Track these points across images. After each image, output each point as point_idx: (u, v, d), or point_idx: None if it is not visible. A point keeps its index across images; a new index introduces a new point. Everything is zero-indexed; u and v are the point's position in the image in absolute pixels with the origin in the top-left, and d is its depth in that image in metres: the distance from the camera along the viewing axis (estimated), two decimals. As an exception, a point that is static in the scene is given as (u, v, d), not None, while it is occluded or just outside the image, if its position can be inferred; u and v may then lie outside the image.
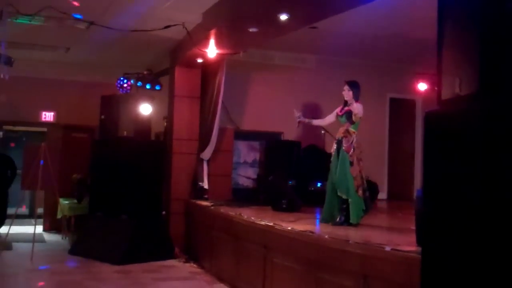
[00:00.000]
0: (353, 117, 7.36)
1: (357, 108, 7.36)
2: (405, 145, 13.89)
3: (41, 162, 10.57)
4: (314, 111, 11.02)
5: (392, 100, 13.70)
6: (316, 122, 8.02)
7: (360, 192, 7.27)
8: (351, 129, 7.42)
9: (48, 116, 14.25)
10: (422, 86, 12.95)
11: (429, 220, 3.48)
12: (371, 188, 11.95)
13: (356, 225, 7.17)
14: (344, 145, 7.39)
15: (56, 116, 14.26)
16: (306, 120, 7.98)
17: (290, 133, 12.24)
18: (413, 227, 5.23)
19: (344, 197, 7.29)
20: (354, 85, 7.55)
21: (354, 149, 7.33)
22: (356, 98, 7.49)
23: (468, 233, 3.05)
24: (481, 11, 3.12)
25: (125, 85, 11.61)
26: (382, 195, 13.03)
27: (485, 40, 3.07)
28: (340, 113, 7.60)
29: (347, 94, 7.51)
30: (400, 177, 13.73)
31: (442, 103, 3.44)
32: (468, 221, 3.05)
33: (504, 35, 2.93)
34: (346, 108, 7.51)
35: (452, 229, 3.19)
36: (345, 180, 7.28)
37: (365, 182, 7.41)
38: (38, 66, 13.04)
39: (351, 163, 7.30)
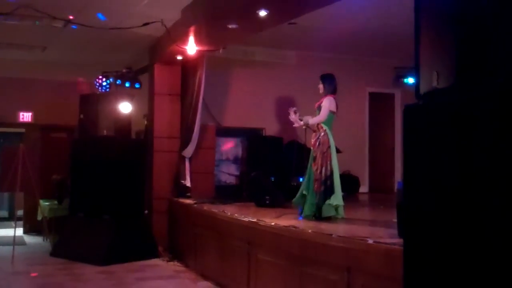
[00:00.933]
0: (321, 111, 7.41)
1: (326, 103, 7.41)
2: (385, 139, 13.95)
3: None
4: (294, 106, 11.04)
5: (372, 94, 13.76)
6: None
7: (316, 186, 7.28)
8: (321, 124, 7.45)
9: (26, 116, 14.17)
10: (401, 80, 13.05)
11: (410, 212, 3.51)
12: (353, 182, 12.07)
13: (311, 218, 7.24)
14: (312, 140, 7.47)
15: (34, 117, 14.19)
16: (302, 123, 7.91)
17: (272, 129, 12.26)
18: (395, 220, 5.27)
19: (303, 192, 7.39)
20: (325, 79, 7.61)
21: (319, 144, 7.36)
22: (328, 92, 7.53)
23: (448, 224, 3.07)
24: (458, 4, 3.14)
25: (104, 83, 11.54)
26: (364, 188, 13.10)
27: (461, 34, 3.09)
28: (316, 107, 7.65)
29: (320, 87, 7.60)
30: (381, 170, 13.80)
31: (420, 96, 3.46)
32: (448, 212, 3.07)
33: (481, 29, 2.95)
34: (318, 102, 7.58)
35: (433, 221, 3.21)
36: (311, 175, 7.36)
37: (323, 177, 7.33)
38: (15, 66, 12.94)
39: (314, 158, 7.36)
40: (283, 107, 12.04)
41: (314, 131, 7.54)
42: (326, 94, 7.54)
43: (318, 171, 7.30)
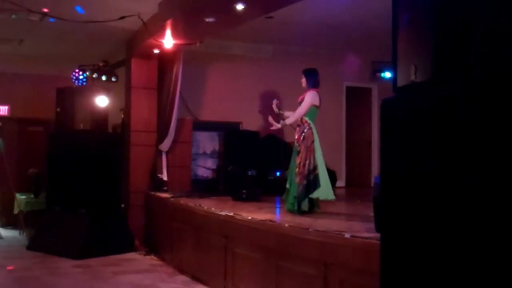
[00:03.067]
0: (301, 106, 7.42)
1: (308, 97, 7.43)
2: (362, 133, 14.02)
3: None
4: (271, 100, 11.06)
5: (349, 89, 13.80)
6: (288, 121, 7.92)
7: (298, 178, 7.27)
8: (305, 118, 7.45)
9: (2, 110, 14.05)
10: (378, 75, 13.10)
11: (387, 207, 3.52)
12: (329, 176, 12.09)
13: (296, 212, 7.24)
14: (296, 134, 7.48)
15: (11, 110, 14.07)
16: (279, 112, 7.92)
17: (249, 123, 12.26)
18: (372, 214, 5.29)
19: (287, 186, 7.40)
20: (308, 73, 7.62)
21: (303, 138, 7.37)
22: (311, 86, 7.54)
23: (425, 218, 3.09)
24: (435, -2, 3.16)
25: (80, 77, 11.47)
26: (340, 182, 13.13)
27: (439, 27, 3.10)
28: (299, 101, 7.66)
29: (302, 81, 7.60)
30: (358, 164, 13.87)
31: (397, 90, 3.47)
32: (425, 206, 3.09)
33: (459, 22, 2.97)
34: (301, 96, 7.58)
35: (410, 215, 3.23)
36: (294, 170, 7.38)
37: (307, 170, 7.31)
38: (-9, 59, 12.81)
39: (298, 152, 7.36)
40: (260, 101, 12.10)
41: (298, 125, 7.52)
42: (309, 88, 7.56)
43: (302, 164, 7.30)
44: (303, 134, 7.39)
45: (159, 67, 11.45)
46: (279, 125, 7.86)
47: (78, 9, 8.92)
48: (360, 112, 14.06)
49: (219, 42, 11.74)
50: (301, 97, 7.61)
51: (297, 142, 7.43)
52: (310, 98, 7.45)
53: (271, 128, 7.97)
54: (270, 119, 7.92)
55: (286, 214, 7.27)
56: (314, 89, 7.54)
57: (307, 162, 7.29)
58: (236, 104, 12.21)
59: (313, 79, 7.59)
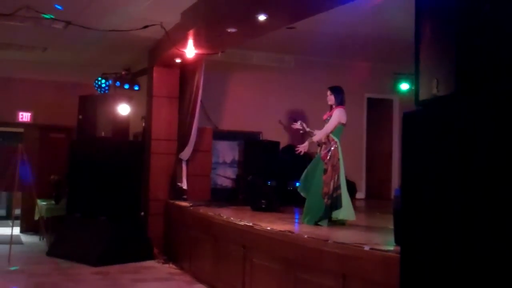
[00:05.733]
0: (330, 122, 7.41)
1: (335, 114, 7.42)
2: (383, 144, 13.95)
3: (21, 162, 10.55)
4: (293, 111, 11.08)
5: (370, 100, 13.75)
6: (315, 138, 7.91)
7: (326, 199, 7.27)
8: (332, 136, 7.44)
9: (25, 116, 14.16)
10: (399, 86, 13.06)
11: (407, 219, 3.51)
12: (349, 188, 12.04)
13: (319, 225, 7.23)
14: (322, 152, 7.45)
15: (33, 116, 14.18)
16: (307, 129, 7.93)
17: (269, 133, 12.26)
18: (392, 226, 5.26)
19: (303, 195, 7.38)
20: (335, 90, 7.62)
21: (330, 157, 7.36)
22: (339, 103, 7.54)
23: (445, 232, 3.08)
24: (459, 11, 3.15)
25: (103, 85, 11.57)
26: (360, 194, 13.08)
27: (462, 41, 3.10)
28: (324, 118, 7.65)
29: (330, 99, 7.58)
30: (378, 176, 13.79)
31: (419, 103, 3.46)
32: (445, 220, 3.08)
33: (481, 36, 2.96)
34: (328, 113, 7.58)
35: (430, 228, 3.21)
36: (315, 185, 7.34)
37: (331, 191, 7.32)
38: (15, 66, 12.93)
39: (325, 171, 7.34)
40: (281, 111, 12.10)
41: (324, 143, 7.51)
42: (336, 105, 7.55)
43: (330, 185, 7.31)
44: (330, 152, 7.38)
45: (180, 76, 11.50)
46: (306, 145, 7.89)
47: (57, 6, 8.80)
48: (381, 124, 13.98)
49: (240, 52, 11.78)
50: (326, 114, 7.60)
51: (323, 160, 7.40)
52: (337, 116, 7.44)
53: (298, 150, 7.91)
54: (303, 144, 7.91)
55: (306, 225, 7.25)
56: (341, 106, 7.54)
57: (332, 182, 7.31)
58: (257, 114, 12.23)
59: (341, 97, 7.60)
